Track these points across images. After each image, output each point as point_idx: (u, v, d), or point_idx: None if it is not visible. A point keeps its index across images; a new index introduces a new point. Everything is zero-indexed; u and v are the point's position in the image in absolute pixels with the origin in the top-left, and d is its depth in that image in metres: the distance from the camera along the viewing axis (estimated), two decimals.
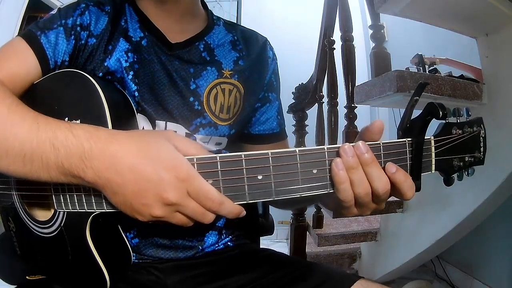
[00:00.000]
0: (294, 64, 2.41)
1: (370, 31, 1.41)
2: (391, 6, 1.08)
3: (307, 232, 1.74)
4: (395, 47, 2.25)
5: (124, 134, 0.40)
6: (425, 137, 0.41)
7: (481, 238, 1.57)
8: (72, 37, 0.55)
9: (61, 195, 0.48)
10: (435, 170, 0.42)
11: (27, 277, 0.56)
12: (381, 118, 2.72)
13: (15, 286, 0.58)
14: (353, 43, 1.43)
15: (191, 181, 0.38)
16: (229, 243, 0.68)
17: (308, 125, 1.83)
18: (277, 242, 2.64)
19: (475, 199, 1.16)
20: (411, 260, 1.49)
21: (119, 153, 0.38)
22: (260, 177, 0.39)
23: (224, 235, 0.67)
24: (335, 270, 0.59)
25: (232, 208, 0.40)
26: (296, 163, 0.39)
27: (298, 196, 0.40)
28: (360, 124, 1.41)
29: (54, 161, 0.39)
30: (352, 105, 1.38)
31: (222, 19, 0.71)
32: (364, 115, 2.28)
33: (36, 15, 2.93)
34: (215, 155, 0.39)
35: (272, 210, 0.93)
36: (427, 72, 1.37)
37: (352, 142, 0.40)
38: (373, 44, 1.40)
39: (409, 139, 0.41)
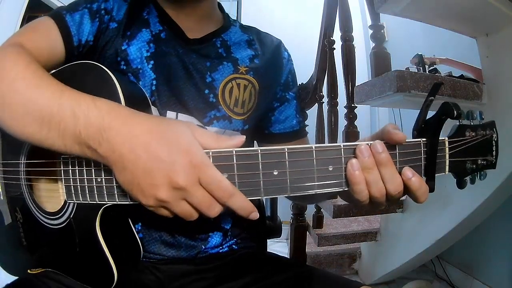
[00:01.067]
0: (294, 64, 2.41)
1: (370, 31, 1.41)
2: (391, 6, 1.09)
3: (307, 232, 1.74)
4: (395, 47, 2.25)
5: (145, 115, 0.40)
6: (440, 138, 0.41)
7: (481, 238, 1.57)
8: (97, 19, 0.58)
9: (72, 186, 0.47)
10: (448, 171, 0.42)
11: (28, 270, 0.56)
12: (381, 118, 2.72)
13: (17, 278, 0.58)
14: (353, 43, 1.43)
15: (204, 168, 0.37)
16: (234, 246, 0.68)
17: (308, 125, 1.81)
18: (277, 242, 2.64)
19: (475, 199, 1.16)
20: (411, 260, 1.49)
21: (137, 131, 0.38)
22: (275, 172, 0.38)
23: (229, 237, 0.67)
24: (337, 277, 0.59)
25: (243, 203, 0.38)
26: (312, 159, 0.39)
27: (313, 193, 0.39)
28: (360, 124, 1.41)
29: (72, 129, 0.39)
30: (352, 105, 1.38)
31: (238, 22, 0.73)
32: (364, 115, 2.28)
33: (36, 15, 2.93)
34: (231, 149, 0.39)
35: None
36: (427, 72, 1.37)
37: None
38: (373, 44, 1.40)
39: (424, 139, 0.41)
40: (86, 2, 0.59)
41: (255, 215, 0.39)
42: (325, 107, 1.59)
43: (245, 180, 0.39)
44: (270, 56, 0.69)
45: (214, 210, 0.38)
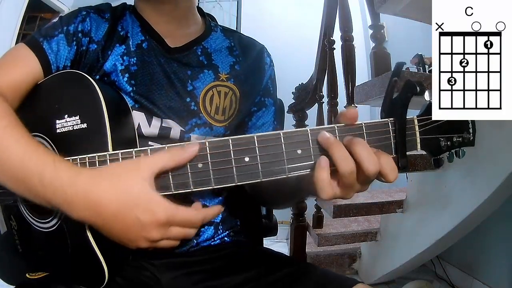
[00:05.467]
0: (294, 64, 2.41)
1: (370, 31, 1.41)
2: (391, 6, 1.09)
3: (307, 232, 1.75)
4: (395, 47, 2.25)
5: (105, 178, 0.42)
6: (409, 117, 0.42)
7: (481, 238, 1.57)
8: (74, 43, 0.58)
9: None
10: (420, 149, 0.43)
11: (27, 274, 0.56)
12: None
13: (15, 286, 0.58)
14: (353, 43, 1.43)
15: (171, 219, 0.41)
16: (226, 238, 0.68)
17: (308, 125, 1.83)
18: (277, 242, 2.64)
19: (475, 199, 1.16)
20: (411, 260, 1.49)
21: (102, 201, 0.41)
22: (247, 159, 0.41)
23: (221, 230, 0.67)
24: (333, 274, 0.59)
25: (213, 214, 0.45)
26: (281, 144, 0.41)
27: (285, 176, 0.41)
28: None
29: (42, 195, 0.43)
30: (352, 105, 1.39)
31: (220, 25, 0.73)
32: (364, 115, 2.28)
33: (36, 15, 2.93)
34: (203, 140, 0.42)
35: (273, 210, 0.93)
36: (427, 72, 1.38)
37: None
38: (373, 44, 1.40)
39: (391, 118, 0.42)
40: (62, 25, 0.58)
41: (221, 208, 0.47)
42: (325, 107, 1.59)
43: (219, 168, 0.41)
44: (251, 61, 0.69)
45: (191, 235, 0.45)
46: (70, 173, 0.42)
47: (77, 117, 0.49)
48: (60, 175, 0.42)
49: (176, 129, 0.60)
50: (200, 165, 0.41)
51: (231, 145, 0.41)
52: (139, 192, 0.41)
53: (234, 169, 0.41)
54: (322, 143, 0.40)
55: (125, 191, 0.41)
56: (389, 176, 0.40)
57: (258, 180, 0.41)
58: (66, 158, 0.49)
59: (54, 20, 0.60)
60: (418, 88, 0.40)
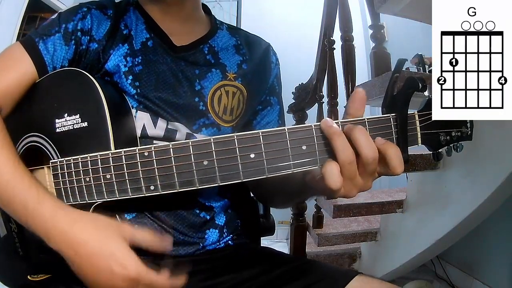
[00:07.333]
0: (294, 64, 2.41)
1: (370, 31, 1.41)
2: (391, 6, 1.09)
3: (307, 232, 1.74)
4: (395, 47, 2.25)
5: (85, 220, 0.45)
6: (409, 112, 0.42)
7: (481, 238, 1.57)
8: (72, 42, 0.56)
9: (62, 189, 0.49)
10: (421, 143, 0.44)
11: (28, 277, 0.56)
12: None
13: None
14: (353, 43, 1.43)
15: (141, 279, 0.43)
16: (229, 241, 0.68)
17: None
18: (277, 242, 2.64)
19: (475, 199, 1.16)
20: (411, 260, 1.49)
21: (79, 239, 0.43)
22: (252, 155, 0.41)
23: (226, 234, 0.67)
24: (333, 267, 0.60)
25: (181, 284, 0.46)
26: (286, 140, 0.41)
27: (290, 172, 0.41)
28: None
29: (25, 221, 0.45)
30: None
31: (225, 23, 0.72)
32: (364, 115, 2.28)
33: (36, 15, 2.92)
34: (209, 137, 0.42)
35: (273, 210, 0.93)
36: (427, 72, 1.38)
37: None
38: (373, 44, 1.40)
39: (393, 114, 0.42)
40: (60, 22, 0.56)
41: (184, 280, 0.47)
42: (325, 107, 1.59)
43: (224, 165, 0.41)
44: (258, 60, 0.68)
45: None
46: (52, 208, 0.45)
47: (77, 116, 0.49)
48: (42, 209, 0.44)
49: (182, 131, 0.59)
50: (205, 162, 0.41)
51: (236, 141, 0.41)
52: (117, 245, 0.44)
53: (240, 166, 0.41)
54: (324, 130, 0.40)
55: (104, 239, 0.44)
56: (397, 169, 0.40)
57: (264, 176, 0.41)
58: (67, 158, 0.48)
59: (53, 17, 0.57)
60: (420, 84, 0.40)
